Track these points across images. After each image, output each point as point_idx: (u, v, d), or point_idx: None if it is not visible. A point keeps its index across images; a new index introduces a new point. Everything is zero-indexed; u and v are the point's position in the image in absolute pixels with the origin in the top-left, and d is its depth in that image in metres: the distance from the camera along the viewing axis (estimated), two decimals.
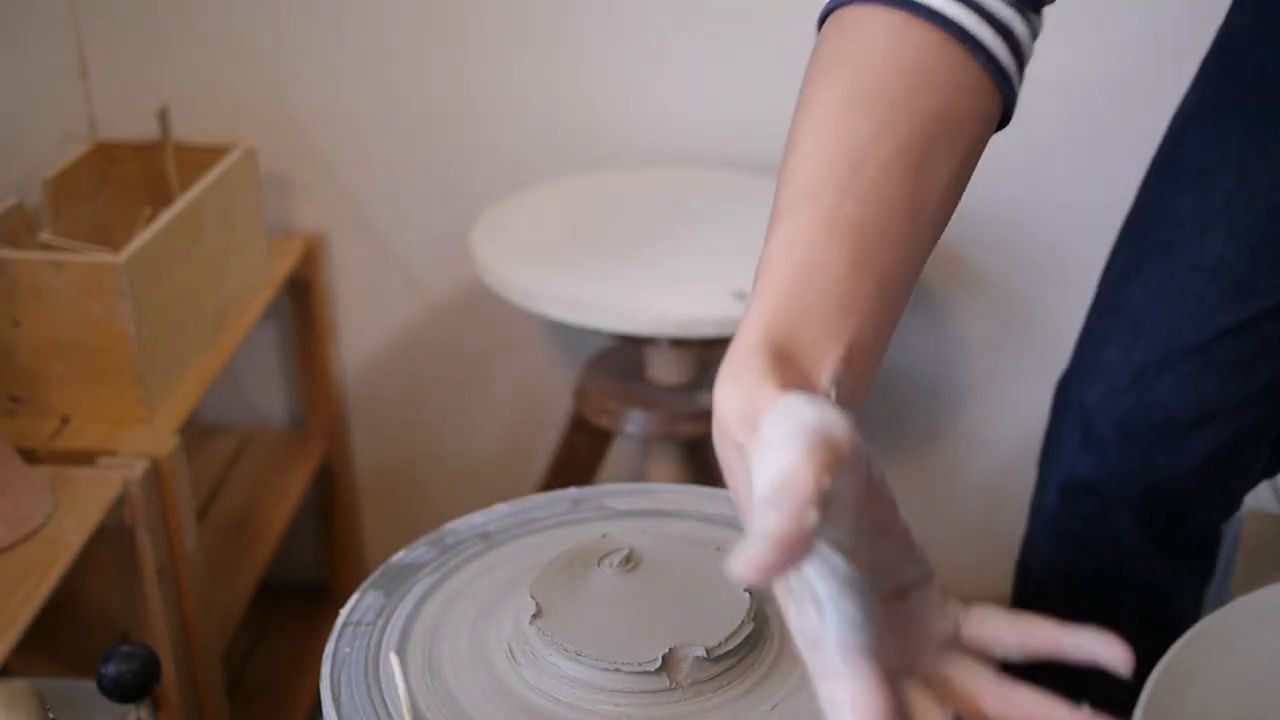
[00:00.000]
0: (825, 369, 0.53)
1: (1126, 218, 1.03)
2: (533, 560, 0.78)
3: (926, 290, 1.61)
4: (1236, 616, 0.78)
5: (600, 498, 0.87)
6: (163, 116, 1.42)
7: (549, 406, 1.67)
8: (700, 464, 1.47)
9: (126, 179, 1.45)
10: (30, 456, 1.11)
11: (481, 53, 1.51)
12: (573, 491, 0.88)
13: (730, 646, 0.69)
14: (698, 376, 1.42)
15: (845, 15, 0.62)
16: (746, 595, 0.72)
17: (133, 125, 1.48)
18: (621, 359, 1.47)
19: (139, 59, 1.52)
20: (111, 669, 0.82)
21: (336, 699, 0.69)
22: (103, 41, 1.51)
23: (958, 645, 0.56)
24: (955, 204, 0.61)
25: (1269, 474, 1.06)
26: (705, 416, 1.39)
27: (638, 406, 1.39)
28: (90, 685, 0.84)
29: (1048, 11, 0.65)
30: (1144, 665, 0.75)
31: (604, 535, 0.77)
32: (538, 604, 0.71)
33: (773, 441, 0.48)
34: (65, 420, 1.19)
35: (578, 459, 1.49)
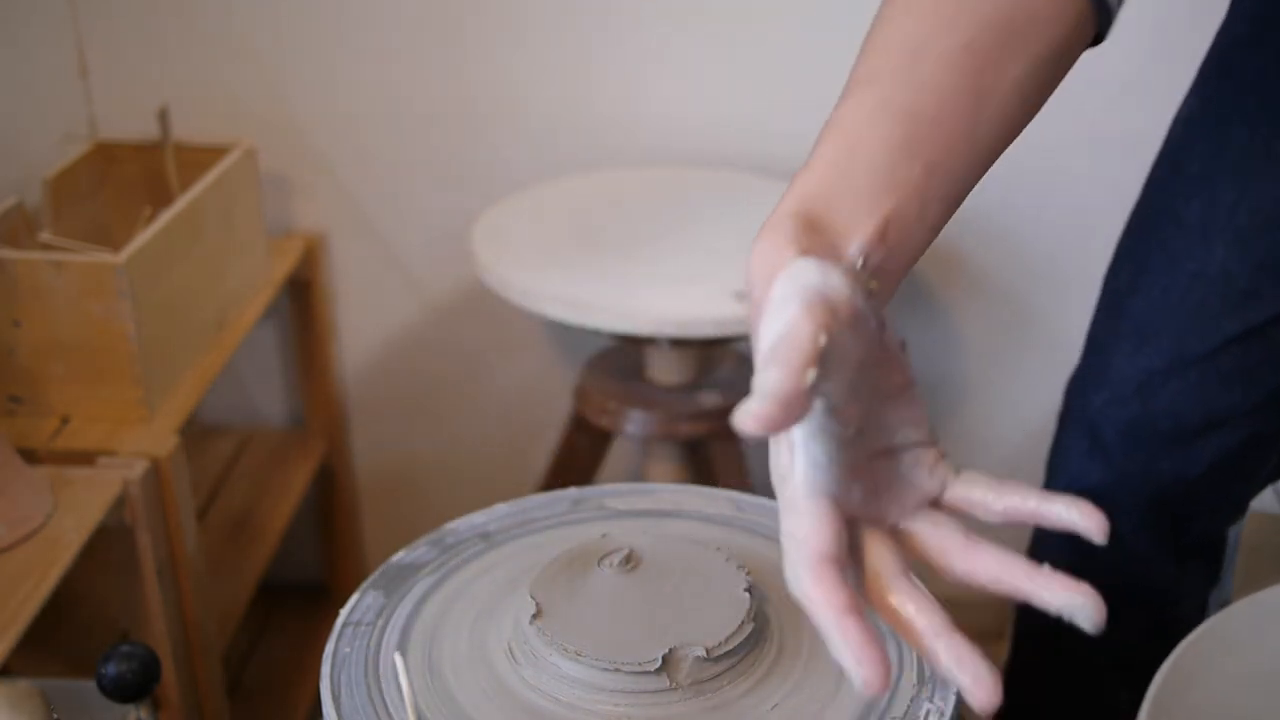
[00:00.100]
0: (855, 240, 0.56)
1: (1129, 222, 1.03)
2: (533, 560, 0.78)
3: (926, 290, 1.61)
4: (1239, 618, 0.78)
5: (600, 498, 0.87)
6: (163, 116, 1.42)
7: (549, 406, 1.67)
8: (700, 464, 1.47)
9: (126, 179, 1.45)
10: (30, 456, 1.11)
11: (481, 53, 1.51)
12: (573, 491, 0.88)
13: (730, 646, 0.69)
14: (698, 376, 1.42)
15: None
16: (746, 595, 0.72)
17: (133, 125, 1.48)
18: (621, 359, 1.47)
19: (139, 59, 1.52)
20: (111, 669, 0.82)
21: (336, 699, 0.69)
22: (103, 41, 1.51)
23: (938, 506, 0.58)
24: (1033, 105, 0.64)
25: (1276, 478, 1.05)
26: (705, 416, 1.41)
27: (638, 406, 1.39)
28: (90, 685, 0.84)
29: None
30: (1151, 668, 0.75)
31: (604, 535, 0.77)
32: (538, 604, 0.71)
33: (776, 300, 0.52)
34: (65, 420, 1.19)
35: (578, 459, 1.49)
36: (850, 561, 0.52)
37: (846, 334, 0.51)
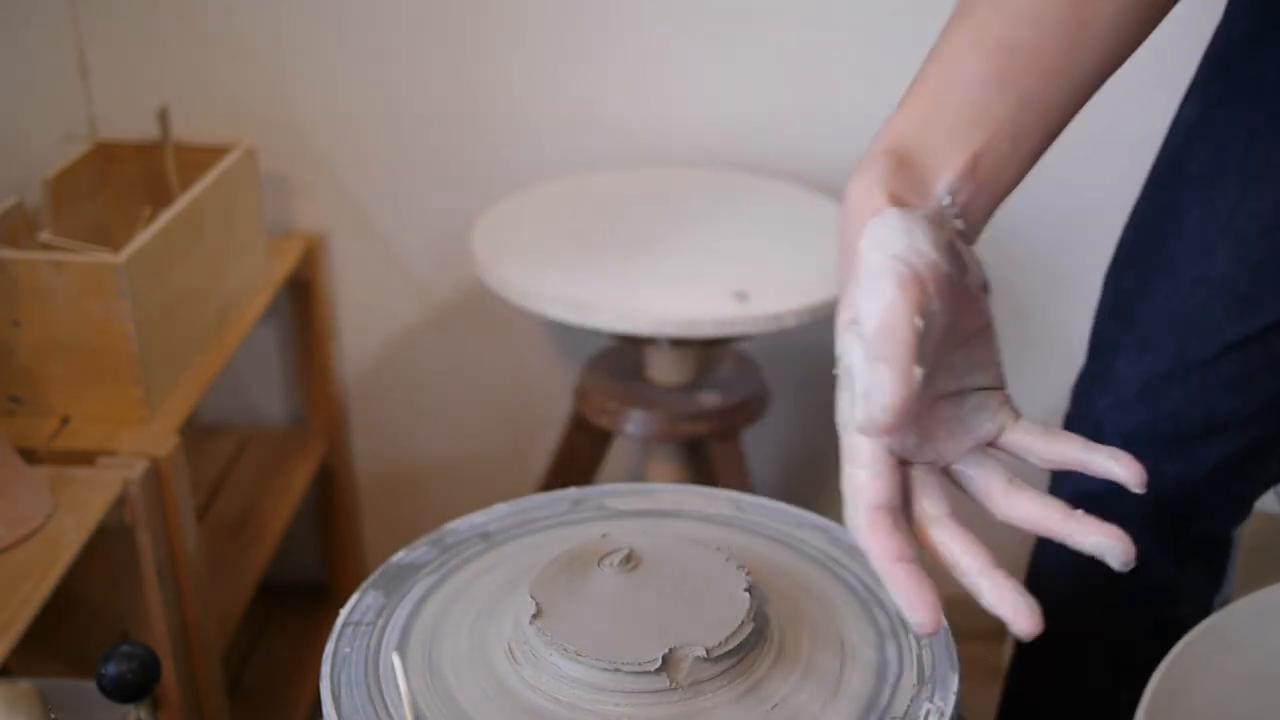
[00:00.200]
0: (944, 176, 0.58)
1: (1130, 223, 1.03)
2: (533, 560, 0.78)
3: None
4: (1239, 617, 0.78)
5: (600, 498, 0.87)
6: (163, 116, 1.42)
7: (549, 406, 1.67)
8: (700, 464, 1.47)
9: (126, 179, 1.45)
10: (30, 456, 1.11)
11: (481, 53, 1.51)
12: (573, 491, 0.88)
13: (730, 646, 0.69)
14: (698, 376, 1.42)
15: None
16: (746, 595, 0.72)
17: (133, 125, 1.48)
18: (621, 359, 1.47)
19: (139, 59, 1.52)
20: (111, 669, 0.82)
21: (336, 699, 0.69)
22: (103, 41, 1.51)
23: (989, 447, 0.60)
24: (1129, 42, 0.64)
25: (1277, 480, 1.05)
26: (705, 416, 1.41)
27: (638, 406, 1.39)
28: (90, 685, 0.84)
29: None
30: (1151, 668, 0.75)
31: (604, 535, 0.77)
32: (538, 604, 0.71)
33: (869, 269, 0.53)
34: (65, 420, 1.19)
35: (578, 459, 1.49)
36: (903, 504, 0.55)
37: (935, 304, 0.53)
